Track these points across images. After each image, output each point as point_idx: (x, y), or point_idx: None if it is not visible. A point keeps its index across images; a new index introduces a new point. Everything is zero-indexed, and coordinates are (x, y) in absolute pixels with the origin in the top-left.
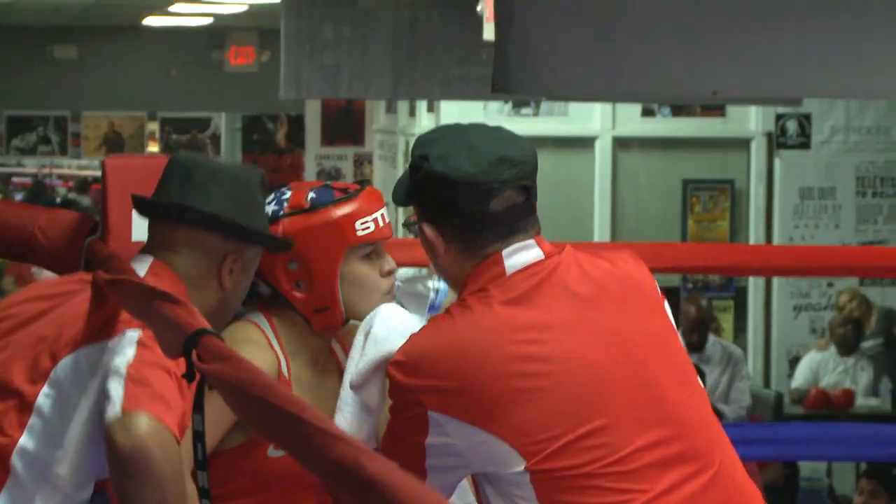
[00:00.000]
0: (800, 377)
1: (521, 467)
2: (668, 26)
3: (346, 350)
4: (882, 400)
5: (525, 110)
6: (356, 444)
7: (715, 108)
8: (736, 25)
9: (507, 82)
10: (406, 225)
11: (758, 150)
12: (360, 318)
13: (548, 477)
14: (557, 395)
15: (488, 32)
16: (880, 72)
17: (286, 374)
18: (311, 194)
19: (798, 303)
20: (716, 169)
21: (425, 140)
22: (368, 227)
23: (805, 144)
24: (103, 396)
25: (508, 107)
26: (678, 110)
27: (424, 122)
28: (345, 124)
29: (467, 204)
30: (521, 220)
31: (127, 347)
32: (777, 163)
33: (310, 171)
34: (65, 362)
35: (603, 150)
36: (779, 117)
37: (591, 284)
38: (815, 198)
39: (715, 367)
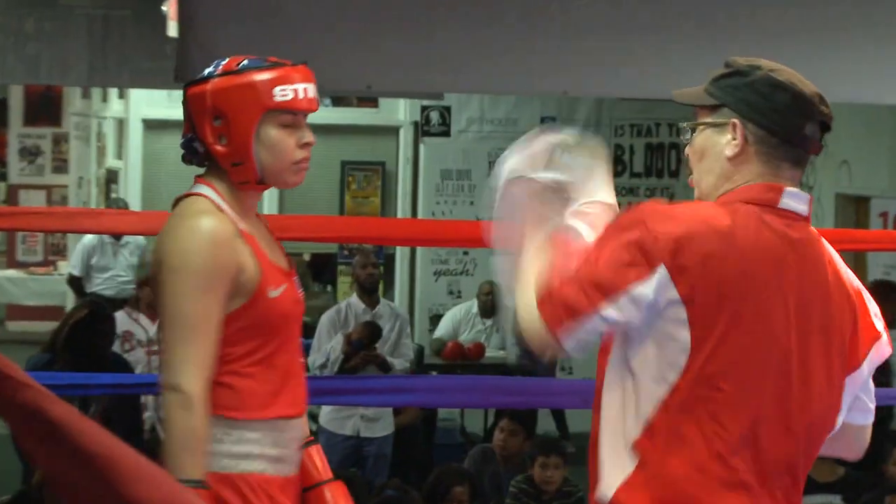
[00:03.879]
0: (442, 328)
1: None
2: (329, 27)
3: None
4: (508, 353)
5: None
6: (41, 389)
7: (369, 100)
8: (389, 28)
9: (187, 74)
10: (683, 127)
11: (405, 137)
12: (273, 181)
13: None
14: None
15: (172, 30)
16: (510, 70)
17: (245, 227)
18: (245, 61)
19: (438, 268)
20: (369, 152)
21: (738, 61)
22: (287, 95)
23: (446, 133)
24: None
25: None
26: (338, 101)
27: (115, 106)
28: (45, 107)
29: (795, 116)
30: (809, 154)
31: None
32: (422, 148)
33: (13, 148)
34: None
35: None
36: (424, 108)
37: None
38: (454, 179)
39: (386, 323)
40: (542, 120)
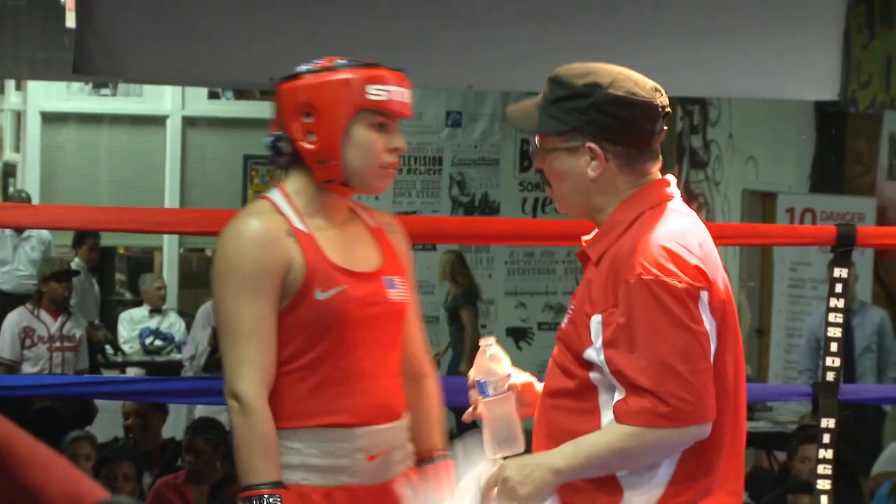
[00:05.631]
0: None
1: None
2: (229, 20)
3: (373, 220)
4: None
5: (104, 90)
6: None
7: (272, 93)
8: (289, 20)
9: (86, 65)
10: (532, 153)
11: None
12: (358, 185)
13: None
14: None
15: (70, 20)
16: (415, 64)
17: (303, 228)
18: (340, 60)
19: None
20: None
21: (577, 72)
22: (380, 94)
23: None
24: None
25: (89, 87)
26: (240, 94)
27: (13, 98)
28: None
29: (643, 124)
30: (661, 145)
31: None
32: None
33: None
34: None
35: (174, 127)
36: None
37: None
38: None
39: None
40: (448, 114)
